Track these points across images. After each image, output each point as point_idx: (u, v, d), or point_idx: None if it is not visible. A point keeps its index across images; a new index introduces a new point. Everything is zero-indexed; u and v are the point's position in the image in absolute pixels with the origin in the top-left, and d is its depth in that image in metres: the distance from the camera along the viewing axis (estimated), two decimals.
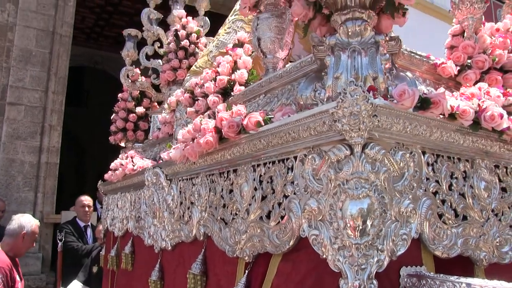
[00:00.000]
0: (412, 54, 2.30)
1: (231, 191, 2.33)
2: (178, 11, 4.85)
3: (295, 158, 1.89)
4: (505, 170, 2.13)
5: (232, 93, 2.91)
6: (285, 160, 1.96)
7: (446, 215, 1.85)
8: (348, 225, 1.57)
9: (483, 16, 3.14)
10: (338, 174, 1.64)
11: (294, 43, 3.48)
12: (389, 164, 1.67)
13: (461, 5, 2.55)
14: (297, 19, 2.33)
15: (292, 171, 1.90)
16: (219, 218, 2.41)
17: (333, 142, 1.67)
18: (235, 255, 2.23)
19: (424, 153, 1.82)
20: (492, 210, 2.03)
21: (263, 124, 2.01)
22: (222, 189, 2.41)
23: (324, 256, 1.66)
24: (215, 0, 5.62)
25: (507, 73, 2.54)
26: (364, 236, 1.56)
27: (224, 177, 2.41)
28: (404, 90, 1.66)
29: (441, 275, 1.69)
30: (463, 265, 1.90)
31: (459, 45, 2.59)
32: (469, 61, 2.51)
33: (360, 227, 1.56)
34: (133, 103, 5.19)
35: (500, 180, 2.10)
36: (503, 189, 2.11)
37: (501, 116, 1.87)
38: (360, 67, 1.77)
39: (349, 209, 1.57)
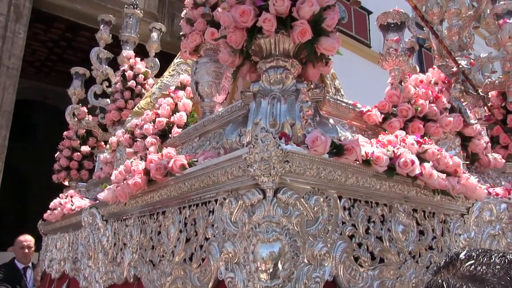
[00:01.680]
0: (339, 102, 2.40)
1: (159, 232, 2.33)
2: (127, 52, 4.91)
3: (216, 201, 1.92)
4: (422, 213, 2.21)
5: (170, 135, 2.94)
6: (207, 203, 1.99)
7: (362, 258, 1.90)
8: (260, 268, 1.59)
9: (416, 66, 3.32)
10: (251, 218, 1.67)
11: (238, 87, 3.57)
12: (302, 208, 1.72)
13: (388, 57, 2.69)
14: None
15: (213, 214, 1.93)
16: (148, 259, 2.39)
17: (248, 186, 1.72)
18: None
19: (340, 197, 1.88)
20: (409, 253, 2.09)
21: (187, 167, 2.04)
22: (152, 231, 2.40)
23: None
24: (163, 39, 5.69)
25: (429, 122, 2.67)
26: (275, 279, 1.59)
27: (154, 218, 2.41)
28: (317, 137, 1.72)
29: None
30: None
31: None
32: (394, 109, 2.63)
33: (271, 270, 1.58)
34: (78, 141, 5.14)
35: (418, 224, 2.18)
36: (421, 232, 2.18)
37: (413, 163, 1.96)
38: (279, 114, 1.84)
39: (260, 252, 1.60)
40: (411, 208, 2.17)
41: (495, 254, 1.00)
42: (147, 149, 2.95)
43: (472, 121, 2.92)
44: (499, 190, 2.75)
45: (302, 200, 1.72)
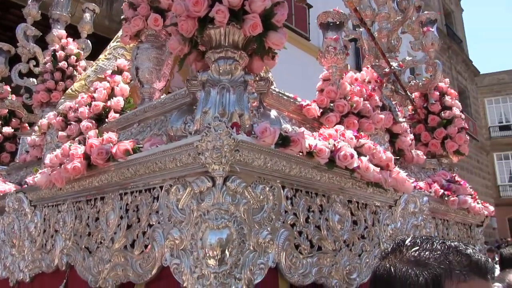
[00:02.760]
0: (280, 95, 2.47)
1: (97, 219, 2.28)
2: (58, 31, 4.69)
3: (161, 188, 1.92)
4: (356, 205, 2.34)
5: (106, 120, 2.87)
6: (151, 190, 1.98)
7: (302, 245, 1.98)
8: (207, 254, 1.62)
9: (347, 65, 3.47)
10: (200, 205, 1.69)
11: (174, 74, 3.54)
12: (249, 197, 1.76)
13: (326, 54, 2.80)
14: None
15: (157, 201, 1.93)
16: (83, 246, 2.34)
17: (197, 173, 1.74)
18: (97, 285, 2.17)
19: (284, 187, 1.95)
20: (344, 241, 2.21)
21: (132, 153, 2.01)
22: (88, 217, 2.35)
23: (185, 285, 1.70)
24: (101, 23, 5.48)
25: (363, 118, 2.82)
26: (222, 265, 1.63)
27: (91, 204, 2.35)
28: (266, 128, 1.77)
29: None
30: None
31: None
32: (331, 104, 2.75)
33: (219, 257, 1.62)
34: (0, 122, 4.83)
35: (352, 214, 2.30)
36: (354, 222, 2.31)
37: (352, 156, 2.07)
38: (228, 104, 1.87)
39: (209, 239, 1.63)
40: (347, 199, 2.29)
41: (437, 241, 1.10)
42: (82, 133, 2.86)
43: (400, 119, 3.11)
44: (422, 184, 2.96)
45: (249, 188, 1.77)
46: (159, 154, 1.85)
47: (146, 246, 1.94)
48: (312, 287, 2.02)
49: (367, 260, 2.33)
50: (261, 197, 1.81)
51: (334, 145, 2.08)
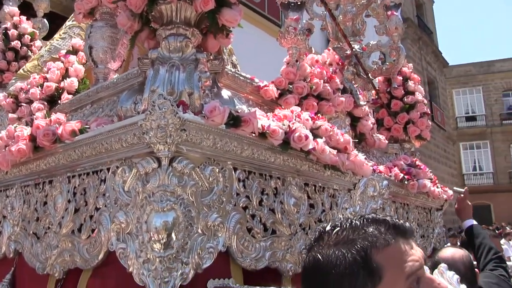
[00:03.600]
0: (237, 75, 2.41)
1: (45, 203, 2.19)
2: (10, 8, 4.47)
3: (108, 169, 1.84)
4: (313, 188, 2.31)
5: (59, 102, 2.76)
6: (98, 172, 1.91)
7: (255, 229, 1.94)
8: (153, 238, 1.56)
9: (311, 47, 3.42)
10: (145, 187, 1.63)
11: (133, 55, 3.44)
12: (197, 179, 1.70)
13: (286, 35, 2.74)
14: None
15: (104, 183, 1.86)
16: (31, 232, 2.25)
17: (143, 154, 1.67)
18: (45, 272, 2.09)
19: (235, 169, 1.90)
20: (300, 225, 2.18)
21: (78, 134, 1.93)
22: (37, 201, 2.26)
23: (130, 270, 1.64)
24: (59, 1, 5.28)
25: (322, 101, 2.78)
26: (168, 249, 1.57)
27: (40, 188, 2.26)
28: (215, 106, 1.71)
29: (245, 286, 1.76)
30: (272, 277, 2.00)
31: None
32: (290, 86, 2.70)
33: (164, 240, 1.56)
34: None
35: (309, 197, 2.27)
36: (311, 205, 2.28)
37: (307, 137, 2.02)
38: (177, 82, 1.80)
39: (154, 222, 1.57)
40: (303, 182, 2.25)
41: (355, 218, 1.13)
42: (34, 115, 2.75)
43: (361, 103, 3.09)
44: (382, 168, 2.95)
45: (198, 170, 1.71)
46: (105, 134, 1.77)
47: (93, 231, 1.88)
48: (267, 272, 1.98)
49: None
50: (211, 179, 1.75)
51: (289, 126, 2.03)
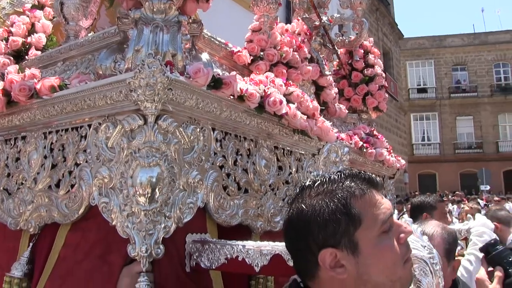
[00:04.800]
0: (212, 39, 2.46)
1: (17, 159, 2.19)
2: None
3: (89, 126, 1.87)
4: (282, 151, 2.42)
5: (26, 57, 2.72)
6: (78, 128, 1.93)
7: (230, 187, 2.04)
8: (138, 192, 1.63)
9: (277, 17, 3.49)
10: (130, 143, 1.68)
11: (100, 14, 3.39)
12: (180, 137, 1.77)
13: (259, 3, 2.80)
14: None
15: (85, 139, 1.89)
16: (1, 188, 2.24)
17: (128, 111, 1.72)
18: (18, 228, 2.11)
19: (214, 129, 1.97)
20: (270, 185, 2.29)
21: (58, 90, 1.94)
22: (8, 157, 2.25)
23: (114, 223, 1.70)
24: None
25: (291, 68, 2.88)
26: (153, 203, 1.64)
27: (11, 144, 2.25)
28: (200, 68, 1.77)
29: (222, 240, 1.87)
30: (243, 233, 2.11)
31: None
32: (261, 53, 2.77)
33: (149, 194, 1.63)
34: None
35: (278, 160, 2.38)
36: (280, 168, 2.39)
37: (281, 102, 2.12)
38: (161, 43, 1.84)
39: (139, 176, 1.63)
40: (273, 145, 2.35)
41: (333, 174, 1.26)
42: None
43: (327, 72, 3.21)
44: (343, 135, 3.10)
45: (181, 128, 1.78)
46: (88, 91, 1.80)
47: (72, 186, 1.91)
48: (239, 229, 2.09)
49: None
50: (192, 137, 1.82)
51: (264, 90, 2.12)
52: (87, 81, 1.92)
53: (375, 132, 3.66)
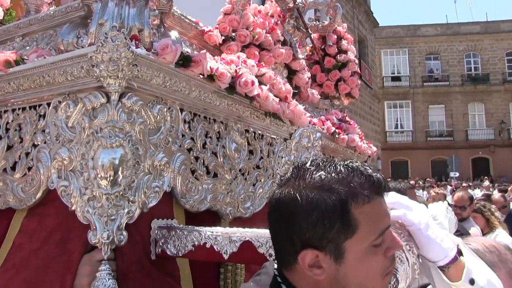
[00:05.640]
0: (183, 17, 2.35)
1: None
2: None
3: (48, 104, 1.75)
4: (253, 134, 2.34)
5: None
6: (37, 107, 1.81)
7: (199, 171, 1.95)
8: (99, 175, 1.53)
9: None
10: (92, 122, 1.58)
11: None
12: (146, 116, 1.67)
13: None
14: None
15: (44, 119, 1.77)
16: None
17: (90, 89, 1.61)
18: None
19: (182, 110, 1.88)
20: (240, 170, 2.21)
21: (14, 65, 1.81)
22: None
23: (73, 208, 1.59)
24: None
25: (263, 51, 2.79)
26: (115, 187, 1.55)
27: None
28: (167, 44, 1.67)
29: (189, 226, 1.78)
30: (212, 220, 2.03)
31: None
32: (233, 34, 2.68)
33: (112, 177, 1.53)
34: None
35: (248, 144, 2.30)
36: (250, 152, 2.32)
37: (253, 83, 2.04)
38: (127, 17, 1.73)
39: (101, 158, 1.53)
40: (244, 128, 2.27)
41: (340, 163, 1.11)
42: None
43: (300, 56, 3.14)
44: (315, 120, 3.05)
45: (146, 108, 1.68)
46: (47, 66, 1.68)
47: (29, 169, 1.79)
48: (207, 215, 2.01)
49: (261, 190, 2.36)
50: (158, 117, 1.73)
51: (236, 71, 2.03)
52: (46, 56, 1.79)
53: (347, 118, 3.62)
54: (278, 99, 2.30)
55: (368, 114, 24.98)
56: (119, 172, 1.54)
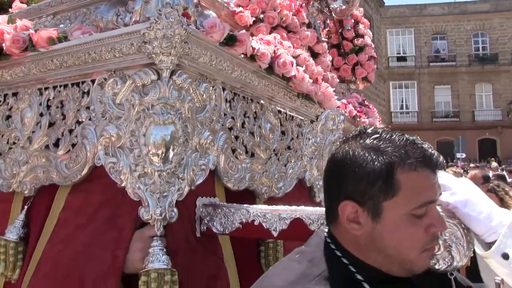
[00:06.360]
0: None
1: (8, 117, 2.04)
2: None
3: (93, 81, 1.75)
4: (285, 115, 2.35)
5: (10, 10, 2.53)
6: (80, 84, 1.80)
7: (238, 150, 1.96)
8: (151, 151, 1.53)
9: None
10: (143, 99, 1.58)
11: None
12: (193, 94, 1.68)
13: None
14: None
15: (88, 96, 1.76)
16: None
17: (139, 66, 1.61)
18: (11, 190, 1.97)
19: (224, 89, 1.88)
20: (273, 150, 2.23)
21: (57, 42, 1.80)
22: None
23: (123, 185, 1.60)
24: None
25: (290, 33, 2.79)
26: (167, 163, 1.56)
27: (0, 101, 2.09)
28: (216, 23, 1.68)
29: (235, 204, 1.79)
30: (248, 199, 2.04)
31: (244, 5, 2.73)
32: (261, 15, 2.67)
33: (164, 154, 1.54)
34: None
35: (281, 124, 2.31)
36: (283, 133, 2.33)
37: (292, 64, 2.04)
38: None
39: (153, 134, 1.54)
40: (277, 109, 2.28)
41: (396, 133, 1.16)
42: None
43: (323, 39, 3.14)
44: (339, 103, 3.06)
45: (194, 85, 1.68)
46: (94, 43, 1.67)
47: (73, 145, 1.79)
48: (242, 194, 2.02)
49: (291, 170, 2.38)
50: (204, 96, 1.73)
51: (274, 51, 2.04)
52: (91, 33, 1.78)
53: (366, 102, 3.63)
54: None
55: (373, 94, 24.91)
56: (171, 149, 1.55)
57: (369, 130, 1.18)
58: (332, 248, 1.18)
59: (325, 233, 1.23)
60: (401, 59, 34.85)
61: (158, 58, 1.53)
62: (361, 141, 1.15)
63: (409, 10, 35.14)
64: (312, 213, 1.59)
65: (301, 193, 2.49)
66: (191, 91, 1.67)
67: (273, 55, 2.02)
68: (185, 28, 1.51)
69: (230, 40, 1.76)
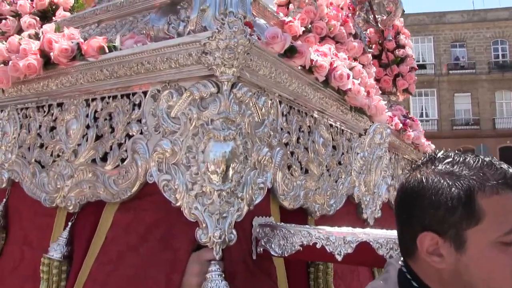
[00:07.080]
0: (266, 6, 2.25)
1: (52, 128, 1.97)
2: None
3: (145, 93, 1.66)
4: (336, 129, 2.24)
5: (54, 18, 2.47)
6: (130, 95, 1.71)
7: (294, 167, 1.85)
8: (210, 169, 1.43)
9: None
10: (201, 113, 1.48)
11: None
12: (253, 108, 1.58)
13: None
14: None
15: (139, 108, 1.67)
16: (33, 160, 2.02)
17: (196, 78, 1.51)
18: (54, 205, 1.89)
19: (280, 102, 1.78)
20: (326, 166, 2.11)
21: (107, 51, 1.71)
22: (40, 126, 2.02)
23: (178, 204, 1.50)
24: None
25: (337, 44, 2.68)
26: (227, 182, 1.45)
27: (44, 111, 2.02)
28: (277, 33, 1.58)
29: (294, 225, 1.68)
30: (300, 217, 1.93)
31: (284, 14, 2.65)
32: (309, 26, 2.57)
33: (223, 172, 1.44)
34: None
35: (332, 139, 2.20)
36: (333, 147, 2.21)
37: (348, 76, 1.93)
38: (230, 3, 1.62)
39: (213, 151, 1.43)
40: (329, 122, 2.17)
41: (470, 156, 1.07)
42: (22, 30, 2.44)
43: (369, 50, 3.03)
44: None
45: (254, 99, 1.58)
46: (148, 53, 1.58)
47: (123, 160, 1.70)
48: (295, 213, 1.91)
49: (341, 186, 2.26)
50: (263, 110, 1.63)
51: (331, 63, 1.93)
52: (144, 43, 1.70)
53: (410, 115, 3.49)
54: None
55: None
56: (231, 167, 1.45)
57: (440, 155, 1.10)
58: (415, 286, 1.07)
59: (403, 267, 1.12)
60: (421, 67, 34.37)
61: (219, 69, 1.43)
62: (433, 167, 1.07)
63: (428, 18, 34.73)
64: (381, 237, 1.47)
65: (348, 209, 2.38)
66: (251, 105, 1.57)
67: (330, 67, 1.91)
68: (248, 39, 1.41)
69: (290, 52, 1.66)
